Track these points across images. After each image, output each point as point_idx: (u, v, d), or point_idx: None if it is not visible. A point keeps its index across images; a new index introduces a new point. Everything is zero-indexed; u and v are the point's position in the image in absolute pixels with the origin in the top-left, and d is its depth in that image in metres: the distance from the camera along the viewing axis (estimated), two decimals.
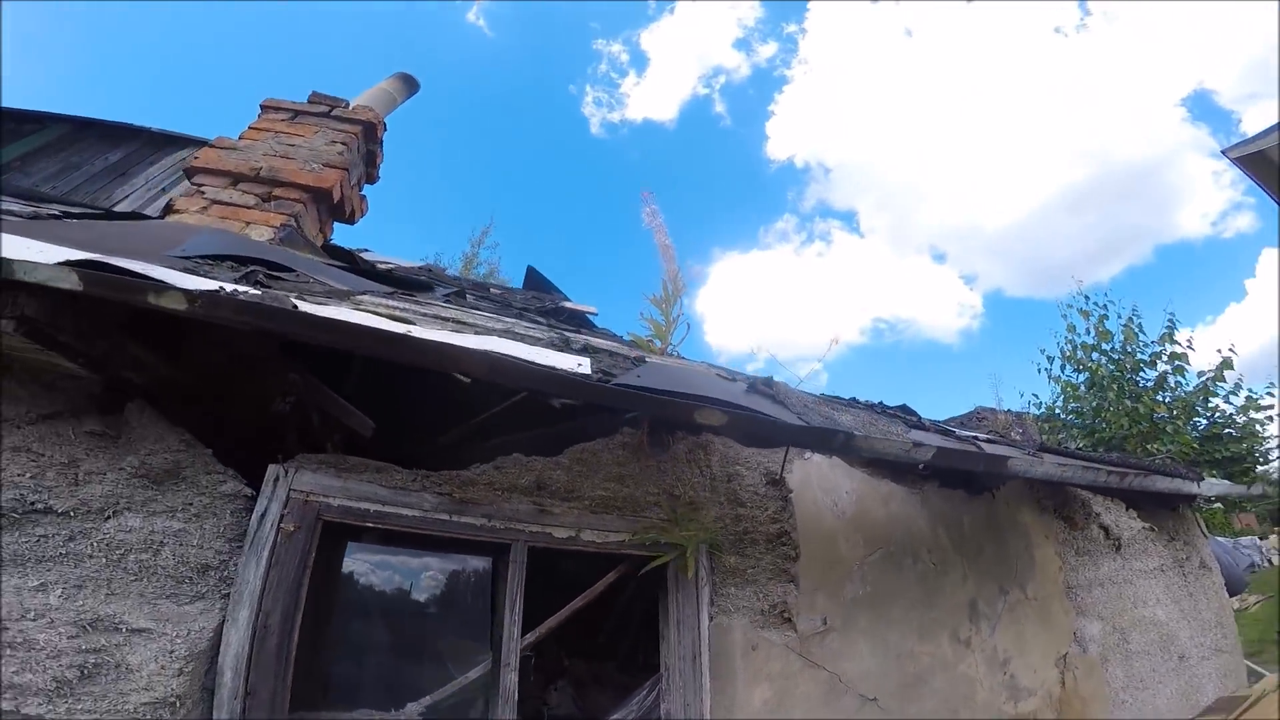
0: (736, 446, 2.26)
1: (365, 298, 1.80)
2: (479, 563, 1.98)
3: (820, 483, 2.38)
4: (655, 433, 2.01)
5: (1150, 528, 4.32)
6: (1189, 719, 3.92)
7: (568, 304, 4.19)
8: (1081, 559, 3.53)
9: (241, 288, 1.45)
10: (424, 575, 1.94)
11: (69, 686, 1.36)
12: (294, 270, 1.85)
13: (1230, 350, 4.52)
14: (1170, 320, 4.60)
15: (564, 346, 1.79)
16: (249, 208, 2.71)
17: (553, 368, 1.41)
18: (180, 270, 1.57)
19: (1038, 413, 5.32)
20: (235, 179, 2.79)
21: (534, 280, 4.74)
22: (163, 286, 1.26)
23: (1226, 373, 4.41)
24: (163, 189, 6.06)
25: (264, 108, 3.24)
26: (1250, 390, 4.71)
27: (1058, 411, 5.11)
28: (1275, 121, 8.70)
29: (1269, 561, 18.17)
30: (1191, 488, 2.71)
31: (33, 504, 1.53)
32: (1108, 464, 2.64)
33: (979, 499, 2.80)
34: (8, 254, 1.29)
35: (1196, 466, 4.09)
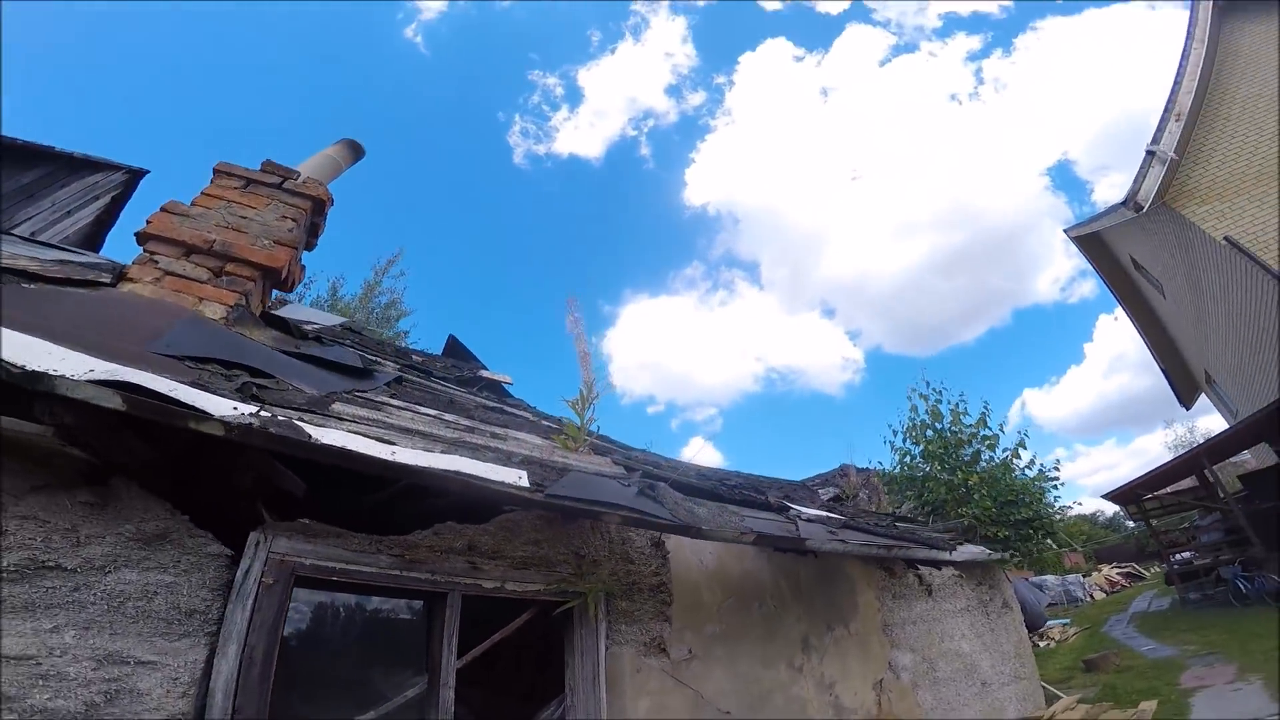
0: None
1: (337, 406, 2.39)
2: (414, 603, 2.59)
3: (691, 546, 3.22)
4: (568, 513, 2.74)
5: (959, 574, 5.61)
6: None
7: (485, 373, 4.85)
8: (898, 601, 4.64)
9: (249, 406, 2.03)
10: (369, 613, 2.52)
11: (96, 709, 1.84)
12: (273, 376, 2.39)
13: (1023, 433, 6.06)
14: (985, 408, 6.09)
15: (506, 461, 2.47)
16: (202, 282, 3.12)
17: (504, 483, 2.11)
18: (187, 383, 2.11)
19: (887, 469, 6.66)
20: (188, 250, 3.19)
21: (453, 349, 5.37)
22: (204, 416, 1.82)
23: (1021, 451, 5.90)
24: (68, 212, 6.04)
25: (217, 172, 3.64)
26: (1042, 466, 6.29)
27: (896, 475, 6.45)
28: (1109, 205, 10.73)
29: (1091, 596, 21.80)
30: (944, 555, 3.75)
31: (43, 562, 1.97)
32: (883, 538, 3.65)
33: (810, 557, 3.76)
34: (43, 367, 1.77)
35: (995, 526, 5.45)
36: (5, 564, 1.85)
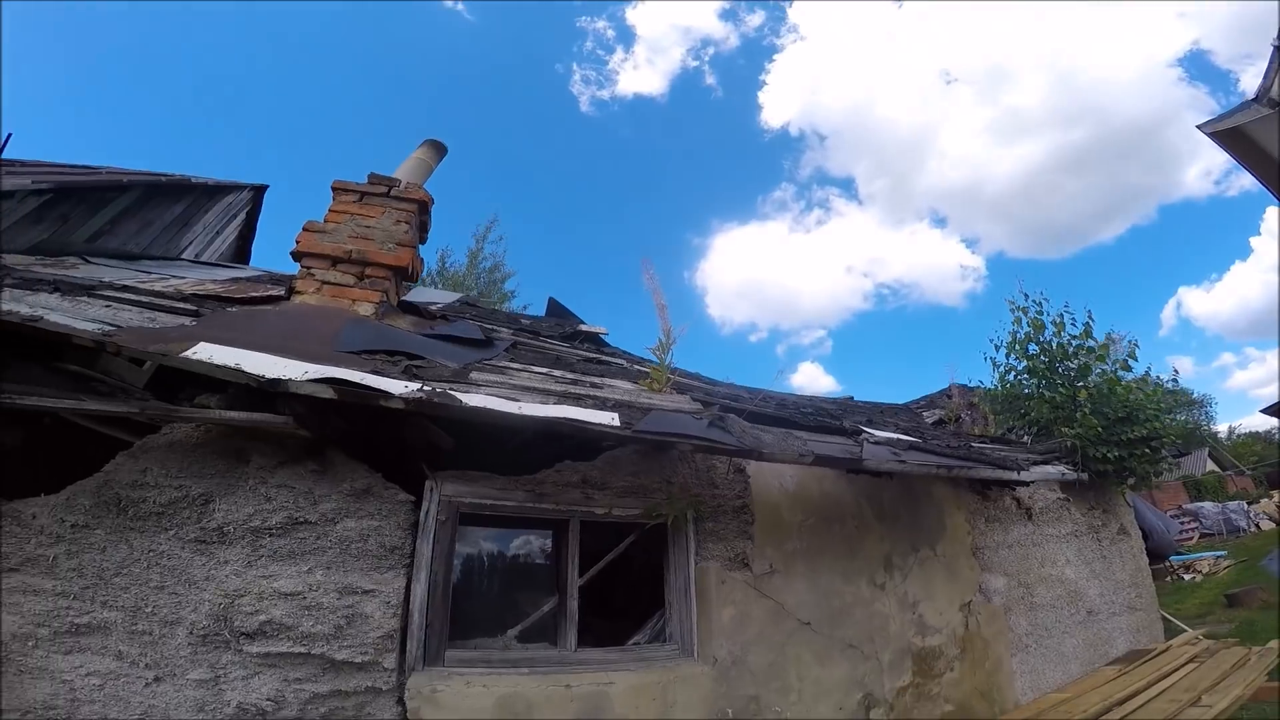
0: None
1: (474, 374, 3.16)
2: (544, 545, 3.40)
3: (771, 471, 3.78)
4: (655, 446, 3.41)
5: (1065, 498, 5.77)
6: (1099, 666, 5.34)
7: (584, 327, 5.64)
8: (991, 525, 4.96)
9: (414, 384, 2.80)
10: (512, 543, 3.38)
11: (341, 631, 2.67)
12: (422, 357, 3.20)
13: (1134, 342, 5.91)
14: (1089, 317, 5.98)
15: (602, 406, 3.13)
16: (350, 286, 4.01)
17: (600, 424, 2.77)
18: (369, 371, 2.91)
19: (990, 387, 6.75)
20: (334, 260, 4.08)
21: (554, 309, 6.33)
22: (388, 395, 2.58)
23: (1131, 362, 5.77)
24: (216, 232, 7.42)
25: (335, 190, 4.51)
26: (1158, 379, 6.09)
27: (999, 394, 6.55)
28: (1247, 98, 9.68)
29: (1256, 526, 19.98)
30: (1011, 475, 4.00)
31: (296, 518, 2.78)
32: (946, 457, 3.88)
33: (892, 480, 4.17)
34: (275, 374, 2.57)
35: (1104, 445, 5.52)
36: (273, 522, 2.71)
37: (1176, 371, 6.24)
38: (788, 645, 3.58)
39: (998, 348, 6.67)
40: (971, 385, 7.61)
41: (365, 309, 3.90)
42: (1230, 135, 11.95)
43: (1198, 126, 10.79)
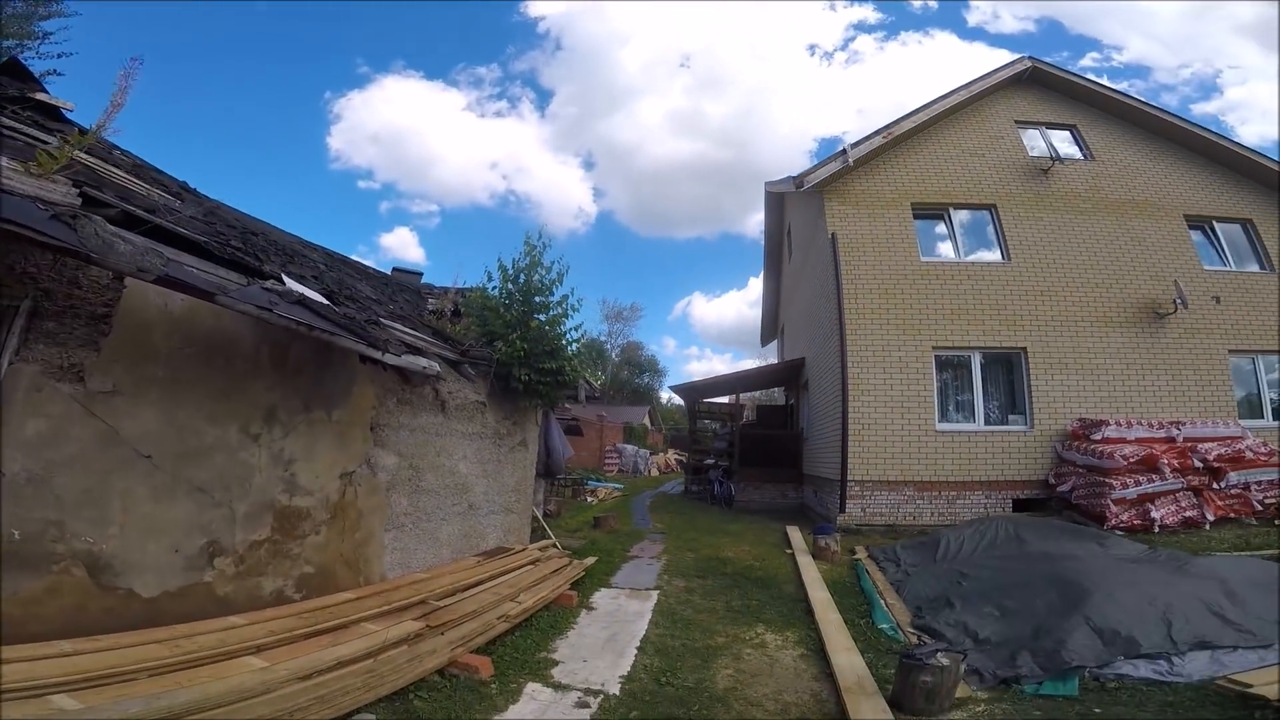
0: None
1: None
2: None
3: (158, 291, 3.46)
4: None
5: (483, 402, 7.11)
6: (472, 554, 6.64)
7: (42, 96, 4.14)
8: (403, 407, 5.66)
9: None
10: None
11: None
12: None
13: (575, 300, 7.80)
14: (562, 266, 7.61)
15: None
16: None
17: None
18: None
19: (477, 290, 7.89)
20: None
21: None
22: None
23: (573, 311, 7.69)
24: None
25: None
26: (587, 333, 8.30)
27: (472, 300, 7.79)
28: (794, 175, 13.72)
29: (650, 470, 29.99)
30: (374, 353, 4.45)
31: None
32: (324, 320, 4.15)
33: (309, 337, 4.31)
34: None
35: (523, 368, 7.06)
36: None
37: (583, 329, 8.26)
38: (114, 475, 3.42)
39: (500, 267, 7.74)
40: (468, 288, 8.66)
41: None
42: (774, 198, 16.91)
43: (765, 184, 14.93)
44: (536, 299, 7.54)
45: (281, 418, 4.40)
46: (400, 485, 5.76)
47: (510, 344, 6.98)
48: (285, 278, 4.27)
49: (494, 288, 7.77)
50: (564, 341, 7.60)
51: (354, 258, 9.45)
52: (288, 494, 4.53)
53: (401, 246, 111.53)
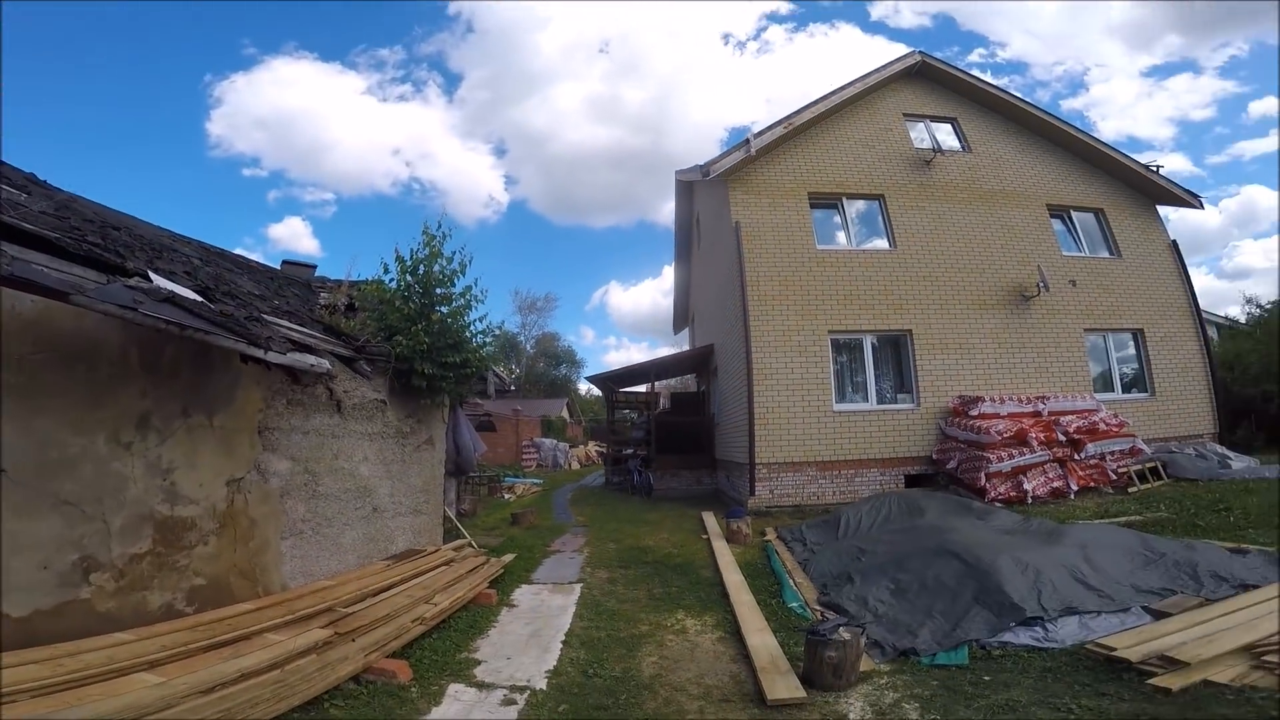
0: None
1: None
2: None
3: (7, 292, 3.18)
4: None
5: (383, 400, 6.86)
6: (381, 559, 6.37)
7: None
8: (293, 408, 5.36)
9: None
10: None
11: None
12: None
13: (480, 290, 7.64)
14: (464, 256, 7.43)
15: None
16: None
17: None
18: None
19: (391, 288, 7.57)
20: None
21: None
22: None
23: (476, 303, 7.50)
24: None
25: None
26: (492, 324, 8.10)
27: (367, 293, 7.50)
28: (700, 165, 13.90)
29: (570, 464, 29.61)
30: (256, 351, 4.12)
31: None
32: (195, 315, 3.84)
33: (182, 338, 4.00)
34: None
35: (426, 362, 6.86)
36: None
37: (486, 319, 8.07)
38: None
39: (398, 258, 7.44)
40: (364, 280, 8.30)
41: None
42: (684, 186, 17.09)
43: (676, 172, 15.03)
44: (438, 290, 7.33)
45: (156, 424, 4.09)
46: (296, 491, 5.48)
47: (412, 336, 6.75)
48: (152, 274, 3.95)
49: (391, 280, 7.48)
50: (469, 334, 7.43)
51: (237, 251, 8.85)
52: (168, 504, 4.22)
53: (293, 238, 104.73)
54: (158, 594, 4.07)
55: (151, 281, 3.75)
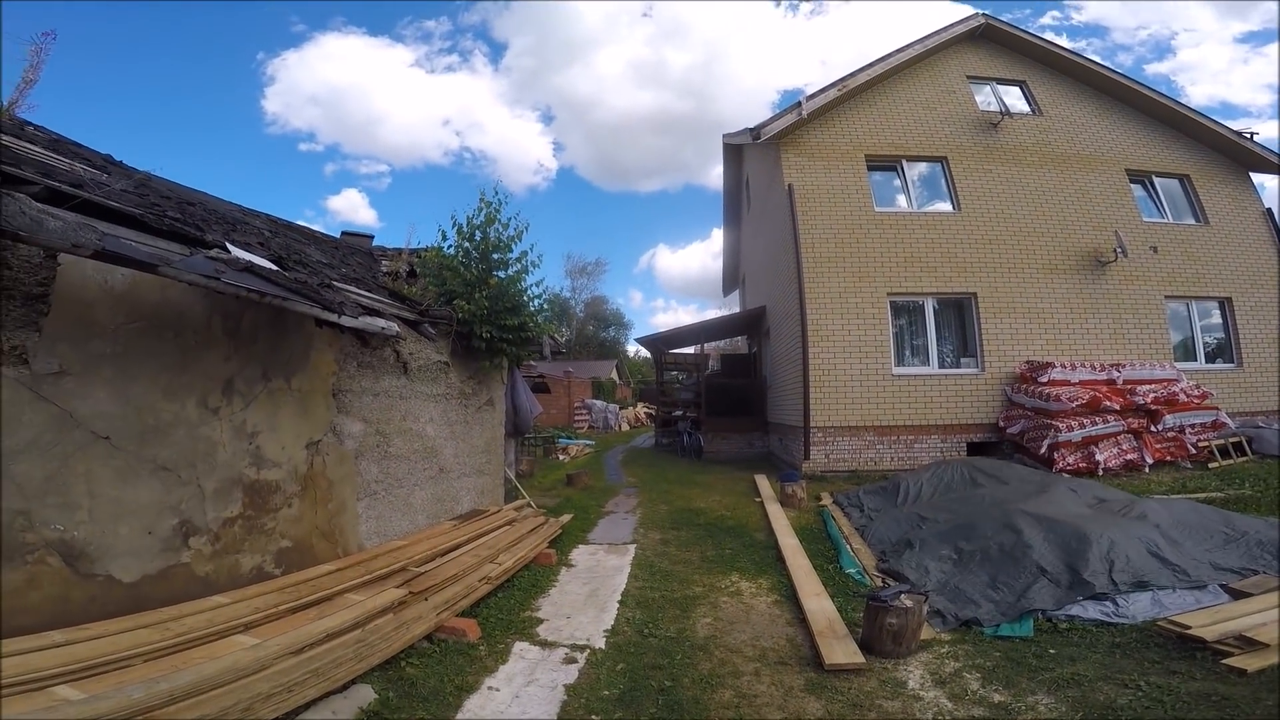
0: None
1: None
2: None
3: (95, 265, 3.24)
4: None
5: (446, 362, 6.95)
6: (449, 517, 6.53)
7: None
8: (364, 371, 5.47)
9: None
10: None
11: None
12: None
13: (536, 255, 7.58)
14: (520, 224, 7.38)
15: None
16: None
17: None
18: None
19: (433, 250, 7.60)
20: None
21: None
22: None
23: (533, 268, 7.45)
24: None
25: None
26: (550, 288, 8.08)
27: (429, 260, 7.53)
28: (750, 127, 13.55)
29: (620, 426, 29.66)
30: (331, 316, 4.23)
31: None
32: (275, 286, 3.90)
33: (261, 304, 4.06)
34: None
35: (486, 325, 6.90)
36: None
37: (545, 285, 8.03)
38: (74, 458, 3.22)
39: (454, 225, 7.45)
40: (423, 248, 8.36)
41: None
42: (732, 150, 16.70)
43: (723, 135, 14.63)
44: (495, 256, 7.34)
45: (240, 388, 4.21)
46: (368, 452, 5.63)
47: (473, 301, 6.81)
48: (230, 245, 4.04)
49: (450, 246, 7.51)
50: (526, 298, 7.45)
51: (300, 223, 9.01)
52: (255, 467, 4.37)
53: (351, 209, 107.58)
54: (249, 557, 4.25)
55: (230, 252, 3.81)
